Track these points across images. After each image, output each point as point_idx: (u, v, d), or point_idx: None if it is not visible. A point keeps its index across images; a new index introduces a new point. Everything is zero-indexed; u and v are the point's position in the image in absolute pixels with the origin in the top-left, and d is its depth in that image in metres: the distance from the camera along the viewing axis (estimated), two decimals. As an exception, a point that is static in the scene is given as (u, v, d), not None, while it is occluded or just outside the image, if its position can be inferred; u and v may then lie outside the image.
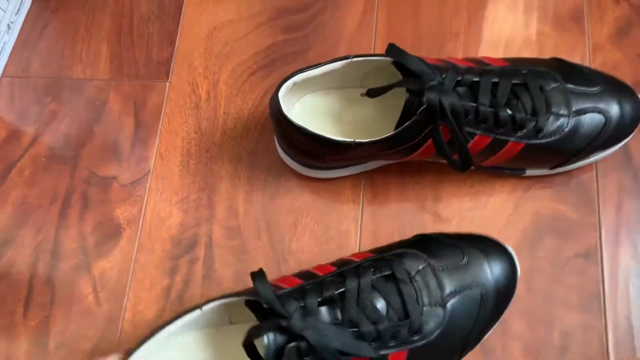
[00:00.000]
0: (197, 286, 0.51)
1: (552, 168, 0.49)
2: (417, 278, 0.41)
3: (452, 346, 0.42)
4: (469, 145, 0.44)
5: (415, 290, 0.40)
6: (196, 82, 0.58)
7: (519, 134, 0.45)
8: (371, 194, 0.52)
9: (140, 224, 0.53)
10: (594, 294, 0.47)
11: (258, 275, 0.39)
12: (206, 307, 0.41)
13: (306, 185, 0.53)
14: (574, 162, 0.48)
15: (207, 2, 0.61)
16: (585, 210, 0.50)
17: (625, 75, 0.52)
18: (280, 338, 0.37)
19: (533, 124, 0.45)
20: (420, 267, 0.41)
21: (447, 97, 0.41)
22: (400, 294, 0.40)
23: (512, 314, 0.47)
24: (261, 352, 0.40)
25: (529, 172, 0.50)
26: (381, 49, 0.57)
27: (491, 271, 0.43)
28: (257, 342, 0.40)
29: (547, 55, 0.54)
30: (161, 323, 0.41)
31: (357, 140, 0.45)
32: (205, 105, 0.57)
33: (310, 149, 0.47)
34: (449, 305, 0.41)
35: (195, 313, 0.41)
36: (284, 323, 0.37)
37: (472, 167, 0.48)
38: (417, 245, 0.43)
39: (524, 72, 0.46)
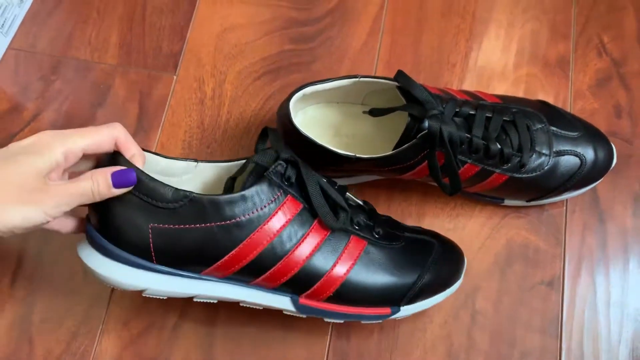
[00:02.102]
0: (187, 275, 0.53)
1: (528, 201, 0.54)
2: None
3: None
4: (459, 171, 0.48)
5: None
6: (203, 79, 0.60)
7: (505, 167, 0.49)
8: (360, 205, 0.55)
9: (136, 210, 0.55)
10: (553, 319, 0.52)
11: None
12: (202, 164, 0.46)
13: (300, 190, 0.56)
14: (548, 197, 0.53)
15: (220, 3, 0.63)
16: (552, 242, 0.54)
17: (600, 124, 0.57)
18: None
19: (518, 159, 0.49)
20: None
21: (447, 127, 0.45)
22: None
23: (478, 330, 0.51)
24: None
25: (507, 202, 0.54)
26: (382, 69, 0.61)
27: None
28: None
29: (533, 94, 0.59)
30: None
31: (357, 155, 0.48)
32: (209, 102, 0.59)
33: (312, 158, 0.50)
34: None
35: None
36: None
37: (457, 192, 0.52)
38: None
39: (514, 110, 0.50)
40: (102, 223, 0.40)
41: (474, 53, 0.61)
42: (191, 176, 0.47)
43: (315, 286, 0.43)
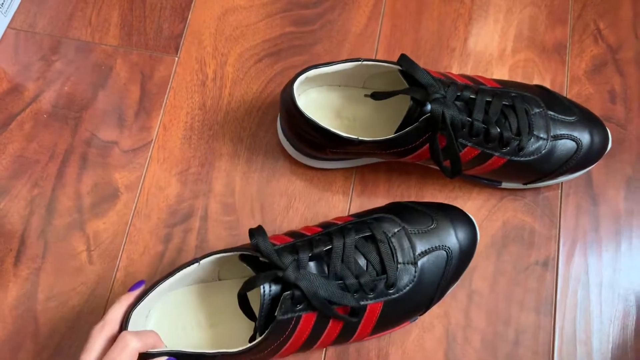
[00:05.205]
0: (190, 255, 0.54)
1: (525, 184, 0.55)
2: (393, 240, 0.47)
3: (421, 299, 0.48)
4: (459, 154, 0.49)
5: (391, 250, 0.46)
6: (204, 61, 0.60)
7: (504, 150, 0.50)
8: (360, 188, 0.56)
9: (139, 191, 0.55)
10: (547, 299, 0.53)
11: (257, 231, 0.43)
12: (203, 262, 0.44)
13: (301, 173, 0.57)
14: (544, 180, 0.54)
15: (221, -16, 0.63)
16: (547, 224, 0.56)
17: (595, 108, 0.58)
18: (275, 287, 0.42)
19: (517, 142, 0.50)
20: (396, 230, 0.47)
21: (449, 110, 0.46)
22: (379, 252, 0.46)
23: (475, 309, 0.53)
24: (253, 304, 0.44)
25: (504, 184, 0.55)
26: (382, 53, 0.61)
27: (456, 235, 0.49)
28: (249, 295, 0.44)
29: (530, 79, 0.60)
30: (159, 278, 0.44)
31: (360, 138, 0.49)
32: (211, 84, 0.59)
33: (314, 140, 0.51)
34: (419, 263, 0.47)
35: (192, 267, 0.44)
36: (280, 274, 0.41)
37: (456, 174, 0.53)
38: (393, 211, 0.49)
39: (513, 94, 0.51)
40: None
41: (473, 38, 0.62)
42: (191, 278, 0.47)
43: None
